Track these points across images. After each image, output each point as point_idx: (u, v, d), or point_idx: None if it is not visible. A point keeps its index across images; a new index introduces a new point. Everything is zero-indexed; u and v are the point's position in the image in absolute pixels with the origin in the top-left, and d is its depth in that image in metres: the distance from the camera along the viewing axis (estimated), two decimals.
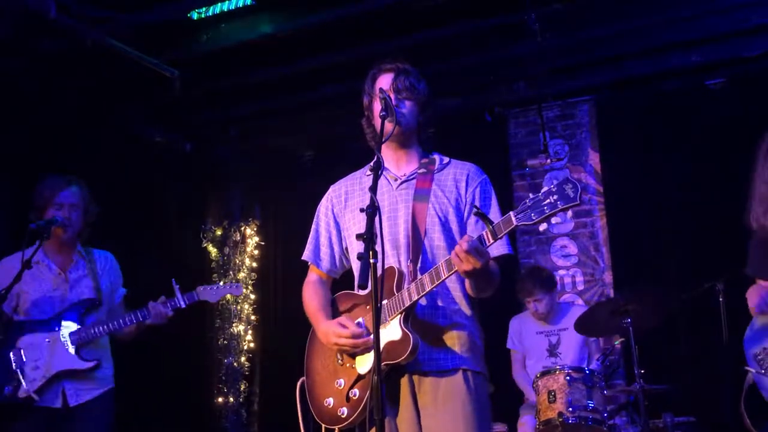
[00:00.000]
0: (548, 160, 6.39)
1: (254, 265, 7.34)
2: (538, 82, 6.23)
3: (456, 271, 2.54)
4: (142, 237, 6.26)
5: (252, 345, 7.14)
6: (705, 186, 5.72)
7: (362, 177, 3.01)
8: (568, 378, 4.42)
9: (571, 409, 4.33)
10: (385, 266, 2.66)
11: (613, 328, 4.63)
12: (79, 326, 3.92)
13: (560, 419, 4.30)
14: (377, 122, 2.78)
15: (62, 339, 3.87)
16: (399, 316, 2.62)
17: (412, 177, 2.87)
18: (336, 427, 2.80)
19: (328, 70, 5.92)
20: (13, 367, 3.78)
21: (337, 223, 3.03)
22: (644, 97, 6.12)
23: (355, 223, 2.88)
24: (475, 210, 2.55)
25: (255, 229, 7.42)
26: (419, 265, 2.70)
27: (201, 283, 4.29)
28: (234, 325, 7.08)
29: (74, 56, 5.36)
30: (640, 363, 4.32)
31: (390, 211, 2.82)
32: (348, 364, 2.77)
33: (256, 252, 7.38)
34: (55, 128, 5.60)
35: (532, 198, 2.43)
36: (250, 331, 7.16)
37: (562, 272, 6.25)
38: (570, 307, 5.44)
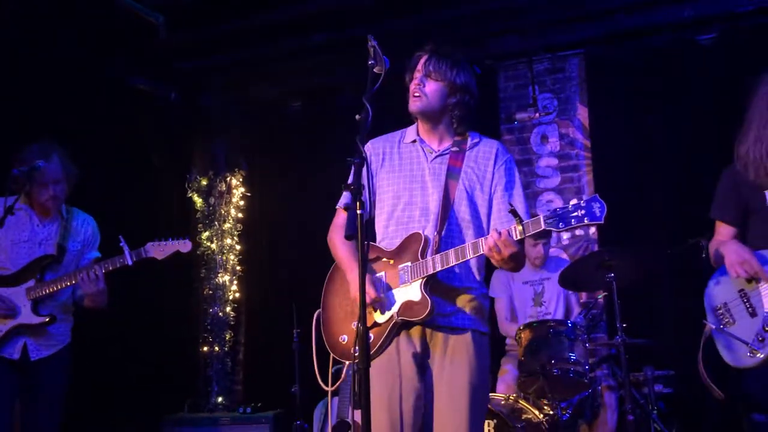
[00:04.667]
0: (537, 114, 6.36)
1: (240, 215, 7.32)
2: (528, 35, 6.17)
3: (480, 254, 2.81)
4: (127, 187, 6.21)
5: (237, 295, 7.15)
6: (693, 142, 5.72)
7: (401, 143, 3.16)
8: (550, 330, 4.48)
9: (553, 360, 4.39)
10: (412, 231, 2.95)
11: (596, 282, 4.66)
12: (36, 282, 3.97)
13: (542, 371, 4.36)
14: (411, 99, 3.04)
15: (21, 293, 3.94)
16: (421, 280, 2.88)
17: (445, 153, 3.07)
18: (346, 362, 3.10)
19: (318, 17, 5.83)
20: None
21: (371, 177, 3.14)
22: (634, 51, 6.06)
23: (390, 185, 3.07)
24: (509, 208, 2.77)
25: (241, 179, 7.38)
26: (443, 234, 2.94)
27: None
28: (219, 275, 7.09)
29: (57, 1, 5.25)
30: (623, 317, 4.37)
31: (423, 181, 3.04)
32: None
33: (241, 203, 7.35)
34: (37, 77, 5.49)
35: (562, 208, 2.68)
36: (235, 281, 7.17)
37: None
38: (556, 260, 5.48)
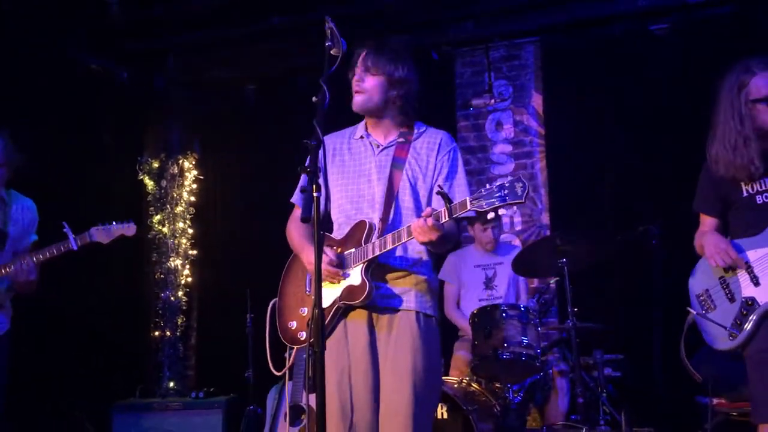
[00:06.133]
0: (492, 101, 6.40)
1: (192, 199, 7.22)
2: (485, 22, 6.19)
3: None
4: (77, 169, 6.08)
5: (189, 279, 7.07)
6: (645, 131, 5.82)
7: (350, 139, 3.22)
8: (504, 315, 4.52)
9: (506, 344, 4.43)
10: (359, 220, 3.02)
11: (548, 267, 4.72)
12: None
13: (495, 354, 4.41)
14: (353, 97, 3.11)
15: None
16: (362, 265, 2.96)
17: (391, 145, 3.13)
18: (294, 347, 3.23)
19: None
20: None
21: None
22: (589, 40, 6.14)
23: (339, 180, 3.13)
24: (437, 189, 2.85)
25: (194, 162, 7.27)
26: (388, 222, 3.01)
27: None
28: (171, 259, 7.00)
29: None
30: (574, 302, 4.43)
31: (369, 174, 3.11)
32: (313, 296, 2.89)
33: (194, 186, 7.25)
34: None
35: (487, 188, 2.74)
36: (187, 266, 7.08)
37: (500, 211, 6.29)
38: (507, 245, 5.54)
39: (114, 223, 4.09)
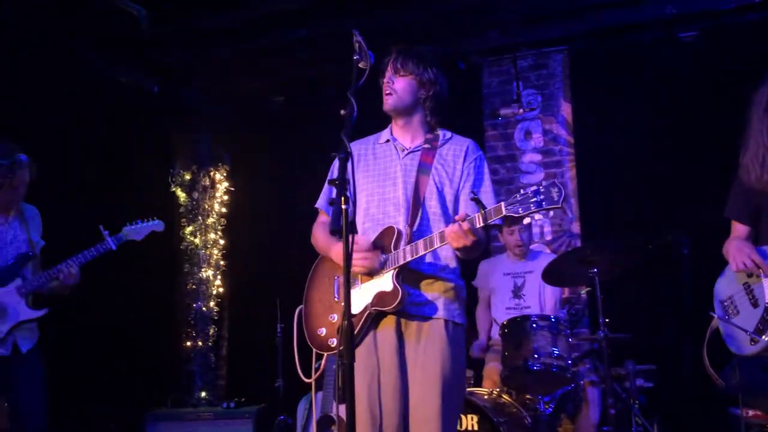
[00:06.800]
0: (521, 110, 6.39)
1: (223, 210, 7.30)
2: (512, 31, 6.18)
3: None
4: (109, 181, 6.18)
5: (221, 290, 7.14)
6: (675, 139, 5.77)
7: (375, 144, 3.26)
8: (534, 326, 4.50)
9: (536, 355, 4.41)
10: (386, 225, 3.04)
11: (579, 277, 4.69)
12: (21, 278, 4.07)
13: (525, 365, 4.39)
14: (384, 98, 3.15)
15: (12, 292, 4.01)
16: (393, 271, 2.95)
17: (417, 149, 3.15)
18: (325, 353, 3.16)
19: (302, 11, 5.81)
20: None
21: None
22: (617, 48, 6.11)
23: (364, 183, 3.15)
24: (471, 196, 2.88)
25: (225, 174, 7.36)
26: (416, 228, 3.02)
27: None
28: (203, 270, 7.07)
29: None
30: (605, 312, 4.40)
31: (395, 177, 3.12)
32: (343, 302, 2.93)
33: (225, 197, 7.34)
34: (17, 70, 5.43)
35: (522, 193, 2.73)
36: (219, 276, 7.15)
37: (536, 217, 6.27)
38: (539, 254, 5.52)
39: (139, 221, 4.36)
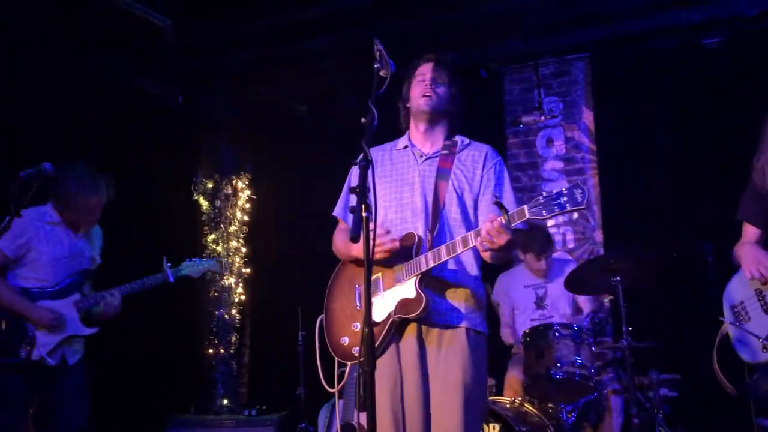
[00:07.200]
0: (542, 118, 6.37)
1: (246, 218, 7.34)
2: (533, 38, 6.17)
3: (470, 247, 2.85)
4: (133, 190, 6.22)
5: (243, 297, 7.17)
6: (698, 146, 5.72)
7: (392, 150, 3.27)
8: (556, 334, 4.47)
9: (559, 364, 4.38)
10: (405, 232, 3.02)
11: (602, 285, 4.65)
12: (80, 294, 4.15)
13: (548, 374, 4.36)
14: (414, 103, 3.17)
15: (70, 306, 4.10)
16: (415, 277, 2.94)
17: (435, 155, 3.16)
18: (348, 362, 3.11)
19: (323, 19, 5.83)
20: (29, 332, 3.96)
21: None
22: (640, 55, 6.07)
23: (382, 189, 3.13)
24: (494, 200, 2.88)
25: (247, 182, 7.40)
26: (436, 234, 3.00)
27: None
28: (225, 277, 7.10)
29: (62, 5, 5.26)
30: (628, 320, 4.36)
31: (413, 183, 3.12)
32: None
33: (247, 205, 7.38)
34: (42, 81, 5.49)
35: (545, 195, 2.70)
36: (241, 284, 7.18)
37: (552, 230, 6.24)
38: (559, 263, 5.48)
39: (198, 259, 4.54)
